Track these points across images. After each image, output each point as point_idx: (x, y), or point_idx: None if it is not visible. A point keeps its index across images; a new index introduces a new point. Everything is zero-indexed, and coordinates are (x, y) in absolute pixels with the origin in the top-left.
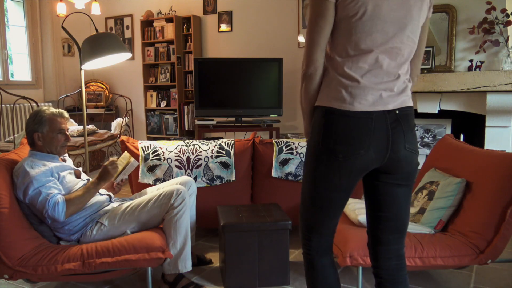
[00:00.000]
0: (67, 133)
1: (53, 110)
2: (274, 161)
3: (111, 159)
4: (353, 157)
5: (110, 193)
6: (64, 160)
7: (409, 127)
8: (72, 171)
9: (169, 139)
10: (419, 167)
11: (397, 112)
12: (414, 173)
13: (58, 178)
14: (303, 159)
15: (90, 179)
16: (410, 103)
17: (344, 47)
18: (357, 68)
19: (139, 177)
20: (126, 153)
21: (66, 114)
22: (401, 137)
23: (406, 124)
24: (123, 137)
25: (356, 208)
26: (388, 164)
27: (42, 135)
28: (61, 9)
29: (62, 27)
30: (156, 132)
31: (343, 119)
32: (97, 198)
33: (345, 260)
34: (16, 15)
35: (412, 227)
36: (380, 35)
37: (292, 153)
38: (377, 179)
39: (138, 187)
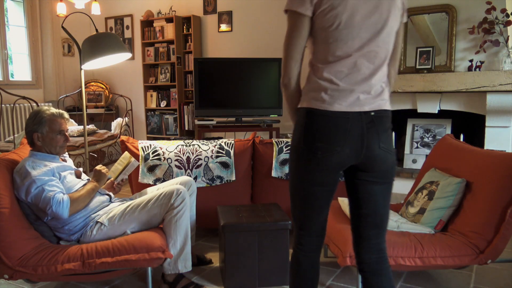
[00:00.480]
0: (66, 134)
1: (53, 110)
2: (274, 161)
3: (101, 165)
4: (329, 153)
5: (110, 193)
6: (65, 160)
7: (383, 128)
8: (73, 171)
9: (169, 139)
10: (420, 166)
11: (372, 113)
12: (390, 171)
13: (59, 178)
14: None
15: (91, 179)
16: (387, 107)
17: (323, 55)
18: (336, 73)
19: (139, 177)
20: (126, 153)
21: (66, 114)
22: (375, 137)
23: (380, 125)
24: (123, 137)
25: None
26: (364, 162)
27: (42, 135)
28: (61, 9)
29: (62, 27)
30: (156, 132)
31: (322, 118)
32: (97, 198)
33: (345, 260)
34: (16, 15)
35: (412, 227)
36: (357, 41)
37: None
38: (356, 177)
39: (138, 187)
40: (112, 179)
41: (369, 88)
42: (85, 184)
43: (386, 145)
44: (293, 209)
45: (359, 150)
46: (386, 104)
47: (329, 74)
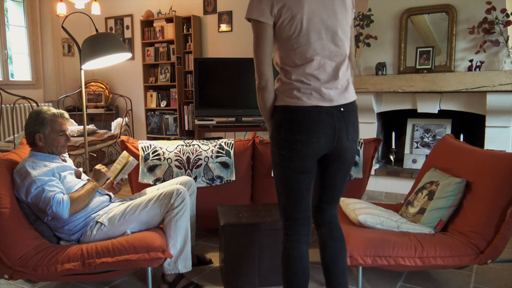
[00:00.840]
0: (67, 133)
1: (54, 110)
2: None
3: (100, 165)
4: (307, 144)
5: (110, 193)
6: (65, 160)
7: (351, 122)
8: (73, 171)
9: (169, 139)
10: (420, 166)
11: (342, 109)
12: (353, 159)
13: (59, 178)
14: None
15: (90, 179)
16: (353, 97)
17: (291, 59)
18: (305, 74)
19: (139, 177)
20: (125, 152)
21: (66, 114)
22: (345, 130)
23: (348, 119)
24: (123, 137)
25: (356, 208)
26: (334, 152)
27: (44, 136)
28: (61, 9)
29: (62, 27)
30: (156, 132)
31: (298, 113)
32: (97, 198)
33: None
34: (16, 15)
35: (412, 227)
36: (318, 44)
37: None
38: (325, 161)
39: (138, 187)
40: (111, 178)
41: (337, 84)
42: (85, 184)
43: (353, 137)
44: (279, 202)
45: (332, 141)
46: (353, 95)
47: (299, 75)
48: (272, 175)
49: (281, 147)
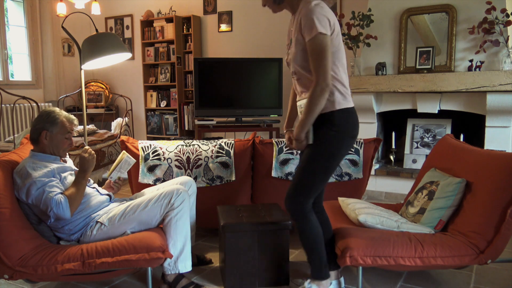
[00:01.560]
0: (72, 138)
1: (66, 114)
2: (274, 161)
3: (85, 148)
4: (356, 138)
5: (110, 193)
6: (65, 161)
7: None
8: (73, 172)
9: (169, 139)
10: (420, 166)
11: None
12: None
13: (60, 179)
14: None
15: (91, 180)
16: None
17: (338, 67)
18: (345, 79)
19: (139, 177)
20: (123, 152)
21: (76, 121)
22: None
23: None
24: (123, 137)
25: (356, 208)
26: None
27: (51, 134)
28: (61, 9)
29: (62, 27)
30: (156, 132)
31: (353, 113)
32: (97, 198)
33: (344, 260)
34: (16, 15)
35: (412, 227)
36: (344, 56)
37: (292, 153)
38: None
39: (138, 187)
40: (107, 176)
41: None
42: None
43: None
44: (311, 184)
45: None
46: None
47: (344, 81)
48: (306, 166)
49: (345, 143)
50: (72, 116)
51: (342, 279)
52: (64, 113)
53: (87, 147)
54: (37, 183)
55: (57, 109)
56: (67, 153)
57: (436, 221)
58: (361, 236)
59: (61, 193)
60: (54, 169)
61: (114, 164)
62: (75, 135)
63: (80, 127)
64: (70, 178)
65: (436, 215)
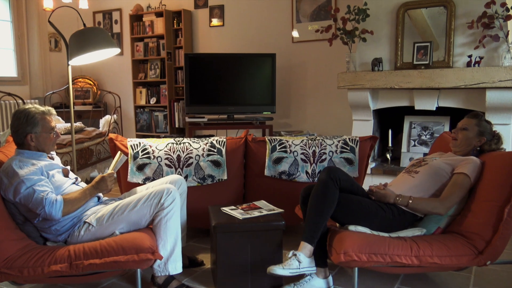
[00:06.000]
0: (56, 130)
1: (41, 108)
2: (267, 160)
3: (109, 171)
4: None
5: (99, 193)
6: (52, 158)
7: None
8: (60, 169)
9: (159, 137)
10: None
11: None
12: None
13: (47, 177)
14: (297, 158)
15: (79, 178)
16: None
17: None
18: None
19: (128, 176)
20: (119, 153)
21: (53, 111)
22: None
23: None
24: (111, 135)
25: None
26: None
27: (36, 135)
28: (48, 3)
29: (49, 21)
30: (145, 129)
31: None
32: None
33: (339, 257)
34: (1, 9)
35: (404, 233)
36: None
37: (285, 152)
38: None
39: (127, 187)
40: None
41: None
42: (73, 184)
43: None
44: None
45: None
46: None
47: None
48: None
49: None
50: (47, 107)
51: (330, 279)
52: (39, 108)
53: (115, 174)
54: (26, 182)
55: (31, 107)
56: (54, 151)
57: (433, 229)
58: (356, 236)
59: (53, 193)
60: (41, 166)
61: (112, 165)
62: (62, 132)
63: (68, 125)
64: (58, 176)
65: (434, 223)
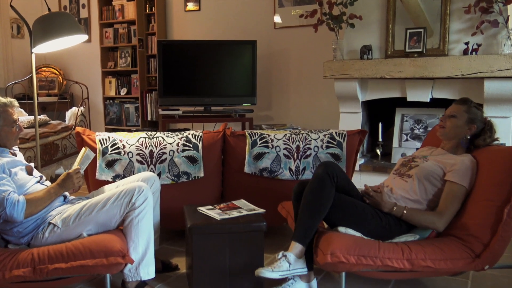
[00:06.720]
0: (19, 123)
1: (2, 100)
2: (247, 156)
3: (74, 167)
4: None
5: (66, 192)
6: (15, 154)
7: None
8: (24, 167)
9: (130, 130)
10: None
11: None
12: None
13: (10, 175)
14: (279, 153)
15: (43, 176)
16: None
17: None
18: None
19: (97, 173)
20: (83, 149)
21: (15, 102)
22: None
23: None
24: (78, 129)
25: None
26: None
27: None
28: None
29: (11, 5)
30: (115, 123)
31: None
32: None
33: (325, 257)
34: None
35: (395, 239)
36: None
37: (267, 147)
38: None
39: (96, 185)
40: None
41: None
42: (38, 182)
43: None
44: (351, 206)
45: None
46: None
47: None
48: None
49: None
50: (9, 98)
51: (314, 283)
52: (1, 99)
53: (82, 172)
54: None
55: None
56: (17, 147)
57: (427, 234)
58: (345, 237)
59: (15, 193)
60: (3, 164)
61: (77, 160)
62: (25, 126)
63: (31, 118)
64: (21, 174)
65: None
